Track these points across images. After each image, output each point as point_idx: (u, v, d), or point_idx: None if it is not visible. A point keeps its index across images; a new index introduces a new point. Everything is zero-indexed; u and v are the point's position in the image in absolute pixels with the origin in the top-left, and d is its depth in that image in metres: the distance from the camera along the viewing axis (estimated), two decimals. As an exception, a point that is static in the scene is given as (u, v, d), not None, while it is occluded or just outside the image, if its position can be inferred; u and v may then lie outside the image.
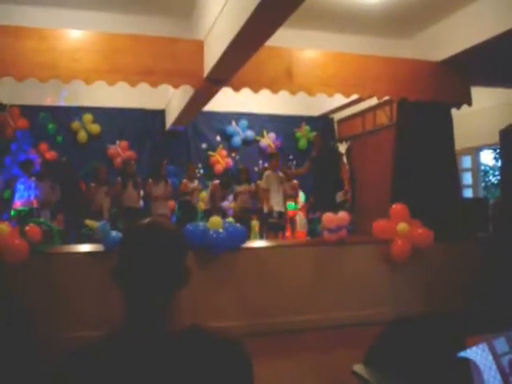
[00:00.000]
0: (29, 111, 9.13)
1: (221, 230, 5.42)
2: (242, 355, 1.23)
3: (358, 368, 2.48)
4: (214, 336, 1.24)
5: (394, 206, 6.19)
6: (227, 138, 10.49)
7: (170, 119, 9.43)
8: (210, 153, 10.28)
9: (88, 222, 5.57)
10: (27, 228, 4.98)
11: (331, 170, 7.68)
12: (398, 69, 6.63)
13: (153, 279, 1.20)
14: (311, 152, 8.57)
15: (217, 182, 8.67)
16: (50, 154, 9.10)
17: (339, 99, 7.39)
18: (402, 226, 5.97)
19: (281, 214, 7.76)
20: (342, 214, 5.99)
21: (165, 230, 1.26)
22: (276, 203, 7.67)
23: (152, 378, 1.14)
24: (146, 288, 1.20)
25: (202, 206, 9.24)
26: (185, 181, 8.56)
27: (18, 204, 7.92)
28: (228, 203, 9.15)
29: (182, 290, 1.25)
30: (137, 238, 1.25)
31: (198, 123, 10.11)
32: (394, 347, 2.46)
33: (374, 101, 8.07)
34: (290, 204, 8.62)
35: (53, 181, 7.94)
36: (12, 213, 7.82)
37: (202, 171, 10.03)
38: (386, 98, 7.12)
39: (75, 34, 5.59)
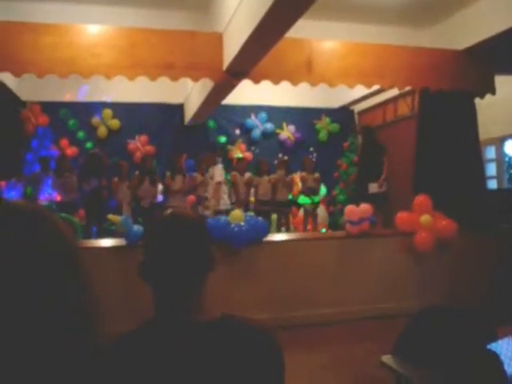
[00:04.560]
0: (49, 107, 9.21)
1: (242, 224, 5.40)
2: (274, 344, 1.23)
3: (387, 359, 2.46)
4: (246, 325, 1.24)
5: (416, 198, 6.11)
6: (247, 131, 10.47)
7: (189, 113, 9.43)
8: (230, 146, 10.25)
9: (110, 216, 5.59)
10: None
11: (376, 162, 7.81)
12: (419, 58, 6.52)
13: (181, 269, 1.20)
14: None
15: (234, 172, 8.57)
16: (71, 150, 9.17)
17: (359, 90, 7.31)
18: (426, 218, 5.88)
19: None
20: (365, 206, 5.93)
21: (186, 218, 1.27)
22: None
23: (185, 368, 1.13)
24: (175, 279, 1.20)
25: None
26: (195, 174, 8.50)
27: (41, 200, 7.98)
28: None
29: (208, 276, 1.24)
30: (160, 230, 1.25)
31: (218, 117, 10.09)
32: (422, 337, 2.43)
33: (395, 91, 7.96)
34: (304, 198, 8.57)
35: (80, 175, 7.92)
36: None
37: (220, 165, 9.96)
38: (408, 88, 7.02)
39: (94, 30, 5.61)
